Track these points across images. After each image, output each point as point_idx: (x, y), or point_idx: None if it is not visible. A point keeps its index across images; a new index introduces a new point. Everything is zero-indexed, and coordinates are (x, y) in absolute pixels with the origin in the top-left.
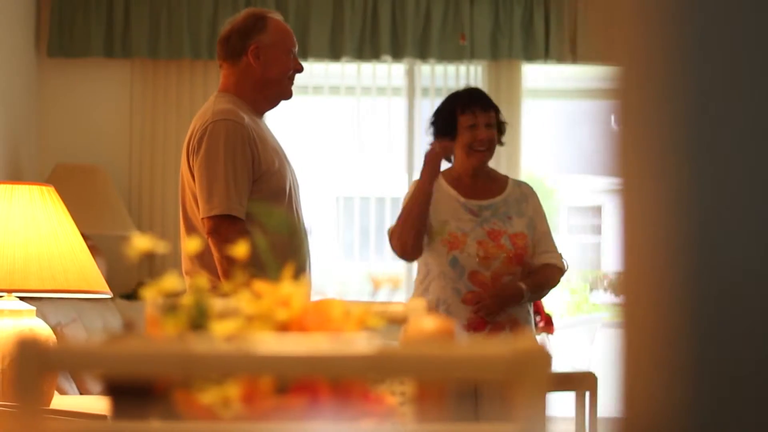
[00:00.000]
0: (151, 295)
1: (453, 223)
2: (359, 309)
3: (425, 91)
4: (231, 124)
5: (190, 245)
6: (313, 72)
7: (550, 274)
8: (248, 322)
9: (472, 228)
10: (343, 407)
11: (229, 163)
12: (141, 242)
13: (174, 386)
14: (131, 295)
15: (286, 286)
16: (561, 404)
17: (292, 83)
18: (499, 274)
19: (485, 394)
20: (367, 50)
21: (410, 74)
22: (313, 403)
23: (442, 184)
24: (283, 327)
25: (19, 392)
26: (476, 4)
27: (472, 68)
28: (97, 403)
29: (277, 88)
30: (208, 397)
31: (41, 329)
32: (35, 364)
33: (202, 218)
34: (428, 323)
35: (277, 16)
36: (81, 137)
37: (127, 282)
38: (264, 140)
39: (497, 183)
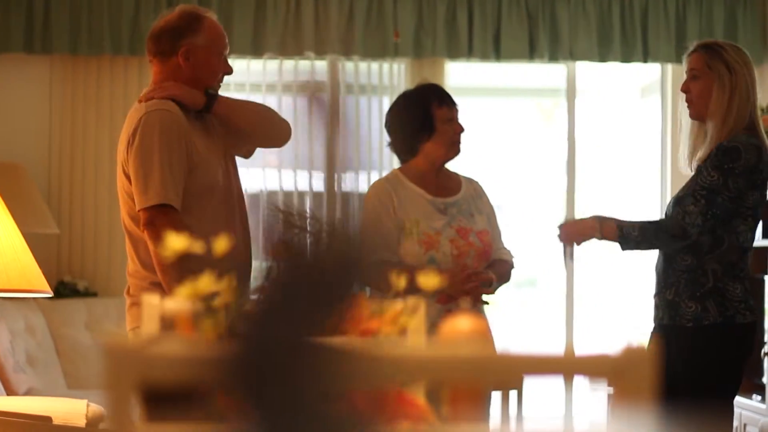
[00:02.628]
0: (185, 296)
1: (424, 222)
2: (390, 308)
3: (348, 89)
4: (165, 114)
5: (128, 245)
6: (235, 68)
7: (505, 269)
8: None
9: (442, 226)
10: (379, 410)
11: (164, 153)
12: (176, 242)
13: (217, 390)
14: (53, 295)
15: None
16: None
17: (220, 86)
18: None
19: None
20: (290, 47)
21: (333, 71)
22: (351, 407)
23: (405, 182)
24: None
25: (112, 406)
26: (400, 1)
27: (395, 66)
28: (30, 404)
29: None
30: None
31: None
32: (128, 375)
33: (138, 210)
34: (463, 323)
35: (212, 16)
36: (0, 134)
37: (47, 281)
38: (198, 132)
39: (452, 180)
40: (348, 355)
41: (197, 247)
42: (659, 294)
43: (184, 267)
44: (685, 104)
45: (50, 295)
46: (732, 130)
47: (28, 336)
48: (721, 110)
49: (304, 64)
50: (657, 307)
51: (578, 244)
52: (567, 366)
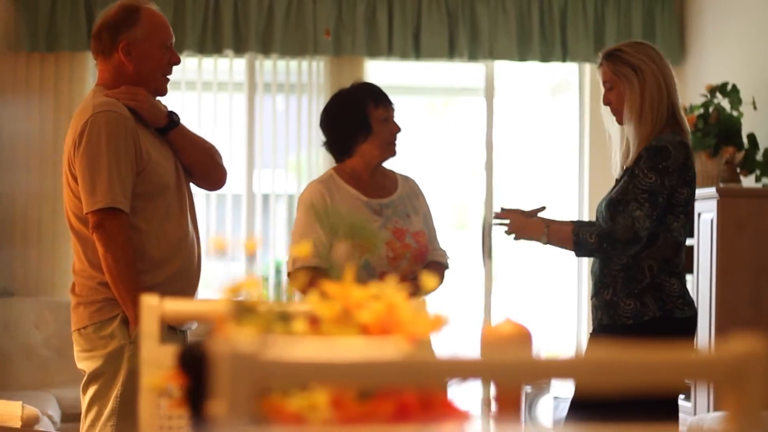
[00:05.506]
0: (227, 296)
1: None
2: (431, 310)
3: (267, 87)
4: (112, 115)
5: (75, 244)
6: None
7: (437, 271)
8: (328, 324)
9: (378, 228)
10: (427, 413)
11: (112, 155)
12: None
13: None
14: None
15: (358, 288)
16: None
17: (167, 78)
18: (406, 273)
19: None
20: (209, 45)
21: (251, 69)
22: (400, 409)
23: (340, 184)
24: (364, 329)
25: (232, 415)
26: None
27: (314, 64)
28: None
29: (150, 84)
30: (295, 403)
31: None
32: (250, 382)
33: (86, 213)
34: (505, 327)
35: (152, 7)
36: None
37: None
38: (146, 133)
39: (389, 179)
40: None
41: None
42: (597, 295)
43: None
44: (611, 116)
45: None
46: (653, 128)
47: None
48: (635, 111)
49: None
50: (596, 308)
51: (519, 238)
52: (675, 368)
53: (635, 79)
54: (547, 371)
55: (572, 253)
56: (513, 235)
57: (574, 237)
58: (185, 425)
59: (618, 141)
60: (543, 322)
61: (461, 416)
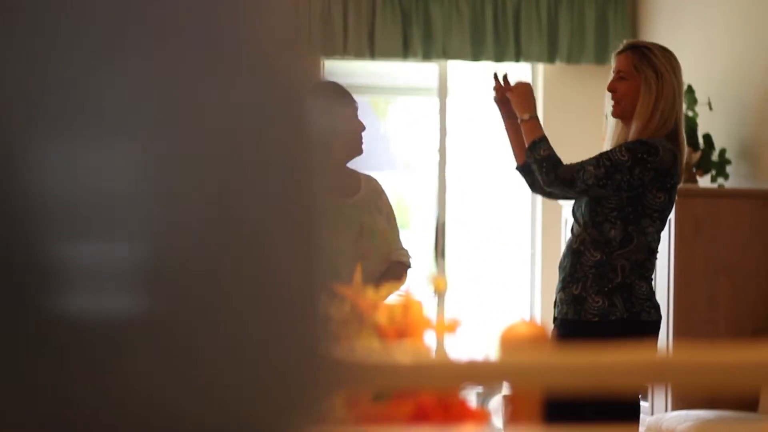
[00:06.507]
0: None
1: None
2: (440, 312)
3: None
4: None
5: None
6: None
7: (399, 271)
8: (343, 326)
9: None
10: (444, 416)
11: None
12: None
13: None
14: None
15: (370, 290)
16: None
17: None
18: (372, 273)
19: None
20: None
21: None
22: (417, 411)
23: None
24: (382, 332)
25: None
26: None
27: None
28: None
29: None
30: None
31: None
32: (329, 382)
33: None
34: (522, 328)
35: None
36: None
37: None
38: None
39: (352, 178)
40: None
41: None
42: (564, 289)
43: None
44: (610, 102)
45: None
46: (654, 133)
47: None
48: (645, 114)
49: None
50: (562, 302)
51: (508, 102)
52: (714, 370)
53: (655, 84)
54: (573, 374)
55: (514, 154)
56: (496, 96)
57: (537, 137)
58: None
59: (611, 131)
60: (496, 320)
61: (481, 418)
